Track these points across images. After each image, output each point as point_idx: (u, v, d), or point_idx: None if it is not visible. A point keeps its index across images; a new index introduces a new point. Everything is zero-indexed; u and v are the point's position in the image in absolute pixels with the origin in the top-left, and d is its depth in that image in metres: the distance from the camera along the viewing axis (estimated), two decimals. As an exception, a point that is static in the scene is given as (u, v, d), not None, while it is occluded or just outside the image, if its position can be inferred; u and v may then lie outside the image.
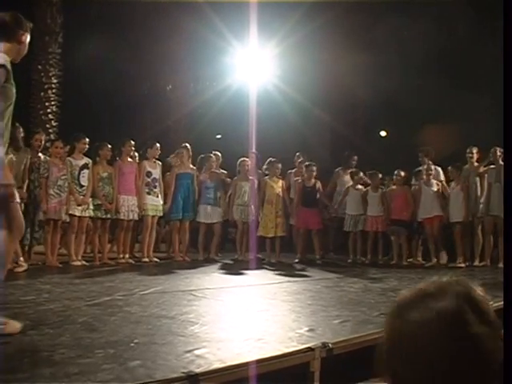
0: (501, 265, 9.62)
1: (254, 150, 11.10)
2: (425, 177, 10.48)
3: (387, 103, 14.79)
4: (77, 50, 14.00)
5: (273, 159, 10.83)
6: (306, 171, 10.76)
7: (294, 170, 11.51)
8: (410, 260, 10.62)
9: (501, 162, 9.98)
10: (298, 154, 11.66)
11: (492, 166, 10.20)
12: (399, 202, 10.66)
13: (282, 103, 14.63)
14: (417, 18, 13.62)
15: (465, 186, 10.22)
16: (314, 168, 10.74)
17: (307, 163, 10.91)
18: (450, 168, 10.50)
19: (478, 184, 10.31)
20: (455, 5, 13.37)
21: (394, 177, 10.81)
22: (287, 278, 7.81)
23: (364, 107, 15.88)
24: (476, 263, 10.08)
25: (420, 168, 10.81)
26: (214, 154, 10.84)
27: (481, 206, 10.24)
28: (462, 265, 9.97)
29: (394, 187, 10.88)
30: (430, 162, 10.77)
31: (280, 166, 10.79)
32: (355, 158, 11.64)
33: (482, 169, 10.37)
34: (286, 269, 9.12)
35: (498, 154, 10.05)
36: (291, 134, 15.14)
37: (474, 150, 10.52)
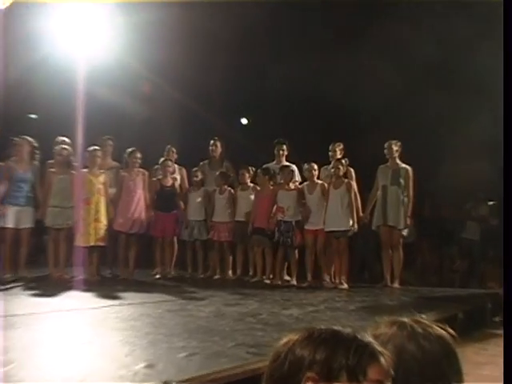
0: (396, 285, 10.21)
1: (108, 136, 11.38)
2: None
3: (250, 88, 15.05)
4: None
5: (93, 147, 10.73)
6: (161, 168, 11.23)
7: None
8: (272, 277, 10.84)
9: (398, 161, 10.45)
10: (168, 146, 11.79)
11: (382, 166, 10.59)
12: (264, 207, 10.91)
13: (121, 80, 14.44)
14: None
15: (350, 187, 10.38)
16: (170, 163, 11.21)
17: (162, 158, 11.31)
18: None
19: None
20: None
21: (259, 175, 11.15)
22: (120, 301, 7.79)
23: (221, 91, 15.98)
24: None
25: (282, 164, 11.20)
26: (22, 138, 10.56)
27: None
28: (345, 285, 10.19)
29: (258, 188, 11.17)
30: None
31: (100, 154, 10.72)
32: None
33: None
34: (119, 288, 9.08)
35: (395, 149, 10.43)
36: (130, 117, 14.94)
37: (338, 148, 10.90)
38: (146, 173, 11.19)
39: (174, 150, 11.80)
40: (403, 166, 10.49)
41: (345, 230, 10.34)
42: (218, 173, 11.48)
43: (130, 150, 11.05)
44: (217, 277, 11.22)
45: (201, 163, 11.92)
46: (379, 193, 10.55)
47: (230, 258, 11.37)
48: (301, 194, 10.75)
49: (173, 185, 11.25)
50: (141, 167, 11.13)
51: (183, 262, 11.61)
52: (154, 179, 11.27)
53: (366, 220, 10.67)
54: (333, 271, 10.63)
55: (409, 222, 10.49)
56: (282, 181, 11.00)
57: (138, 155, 11.03)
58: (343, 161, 10.69)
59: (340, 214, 10.32)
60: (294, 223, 10.65)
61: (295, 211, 10.70)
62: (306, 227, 10.64)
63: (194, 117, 14.80)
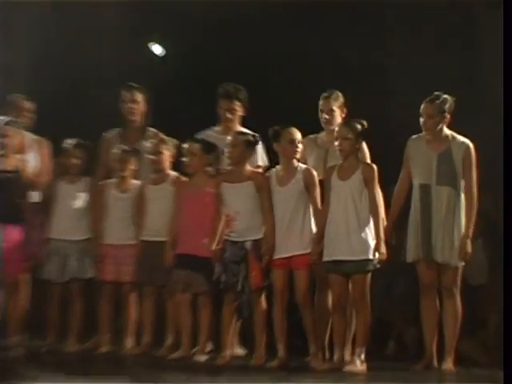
0: (448, 365, 8.90)
1: None
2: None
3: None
4: None
5: None
6: None
7: None
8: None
9: (447, 132, 8.90)
10: (15, 95, 11.18)
11: (414, 137, 9.12)
12: (197, 214, 9.29)
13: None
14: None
15: (372, 175, 8.48)
16: (13, 130, 10.13)
17: None
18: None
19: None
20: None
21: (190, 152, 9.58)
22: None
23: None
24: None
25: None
26: None
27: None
28: (359, 366, 8.33)
29: (183, 179, 9.81)
30: None
31: None
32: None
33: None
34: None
35: (441, 109, 8.86)
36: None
37: (335, 102, 9.51)
38: None
39: (30, 107, 10.86)
40: (459, 139, 8.82)
41: (364, 260, 8.34)
42: (120, 150, 10.24)
43: None
44: (104, 349, 9.88)
45: (105, 134, 11.01)
46: (416, 198, 8.89)
47: (133, 312, 10.00)
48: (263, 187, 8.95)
49: (20, 170, 9.77)
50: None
51: (37, 321, 10.24)
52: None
53: (391, 242, 8.88)
54: (326, 337, 9.05)
55: (470, 249, 8.70)
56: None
57: None
58: (358, 125, 8.70)
59: (354, 228, 8.37)
60: (249, 246, 8.88)
61: (252, 221, 8.94)
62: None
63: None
